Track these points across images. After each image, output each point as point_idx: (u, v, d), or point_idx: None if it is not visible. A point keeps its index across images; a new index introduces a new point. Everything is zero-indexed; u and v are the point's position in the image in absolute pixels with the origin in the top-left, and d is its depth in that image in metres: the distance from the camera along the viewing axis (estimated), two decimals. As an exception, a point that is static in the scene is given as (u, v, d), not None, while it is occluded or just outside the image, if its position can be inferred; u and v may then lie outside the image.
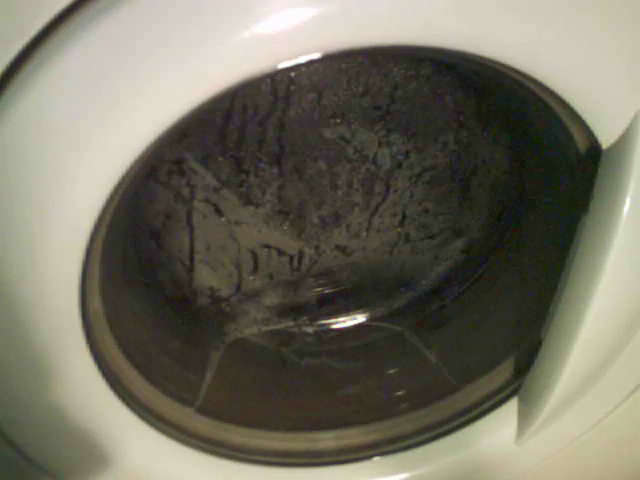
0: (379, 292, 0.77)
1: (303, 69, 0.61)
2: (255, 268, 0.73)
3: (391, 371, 0.69)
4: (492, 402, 0.58)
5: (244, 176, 0.66)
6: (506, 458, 0.58)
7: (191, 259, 0.70)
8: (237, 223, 0.69)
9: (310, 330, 0.75)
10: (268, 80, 0.61)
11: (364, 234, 0.73)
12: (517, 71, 0.39)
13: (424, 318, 0.75)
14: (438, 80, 0.64)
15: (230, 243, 0.70)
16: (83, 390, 0.46)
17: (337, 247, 0.73)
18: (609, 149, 0.43)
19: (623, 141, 0.42)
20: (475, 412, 0.58)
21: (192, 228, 0.68)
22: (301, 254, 0.73)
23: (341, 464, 0.58)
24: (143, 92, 0.35)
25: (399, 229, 0.73)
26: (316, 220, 0.71)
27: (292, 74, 0.61)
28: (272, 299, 0.75)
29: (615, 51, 0.39)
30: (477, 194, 0.72)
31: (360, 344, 0.74)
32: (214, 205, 0.67)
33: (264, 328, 0.74)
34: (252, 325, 0.74)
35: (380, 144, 0.67)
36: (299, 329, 0.75)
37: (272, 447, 0.58)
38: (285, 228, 0.71)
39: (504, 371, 0.58)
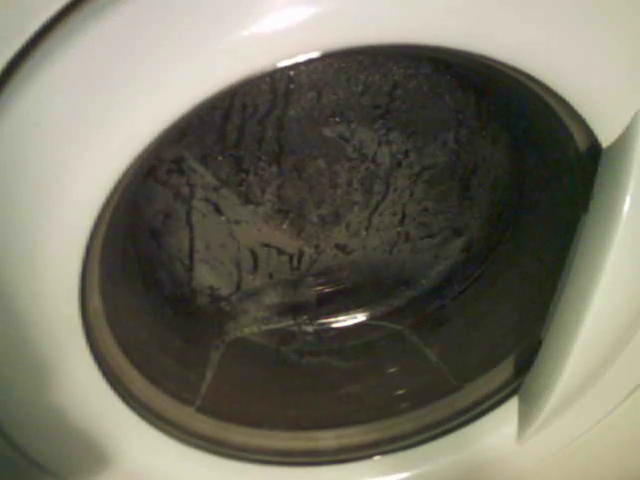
0: (379, 291, 0.77)
1: (302, 68, 0.61)
2: (255, 267, 0.73)
3: (391, 370, 0.69)
4: (492, 401, 0.58)
5: (244, 175, 0.66)
6: (506, 457, 0.58)
7: (191, 258, 0.70)
8: (237, 222, 0.69)
9: (310, 329, 0.75)
10: (267, 79, 0.61)
11: (364, 233, 0.73)
12: (517, 70, 0.39)
13: (424, 317, 0.75)
14: (438, 79, 0.64)
15: (230, 242, 0.70)
16: (83, 389, 0.46)
17: (337, 246, 0.73)
18: (609, 148, 0.43)
19: (623, 140, 0.42)
20: (475, 411, 0.58)
21: (192, 227, 0.68)
22: (301, 253, 0.73)
23: (341, 463, 0.58)
24: (142, 91, 0.35)
25: (399, 228, 0.73)
26: (316, 219, 0.71)
27: (291, 73, 0.61)
28: (272, 298, 0.75)
29: (615, 50, 0.39)
30: (477, 193, 0.72)
31: (360, 343, 0.74)
32: (214, 204, 0.67)
33: (264, 327, 0.74)
34: (252, 324, 0.74)
35: (380, 143, 0.67)
36: (299, 328, 0.75)
37: (272, 446, 0.58)
38: (285, 227, 0.71)
39: (504, 370, 0.58)
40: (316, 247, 0.73)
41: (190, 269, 0.70)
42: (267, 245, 0.71)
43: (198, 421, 0.56)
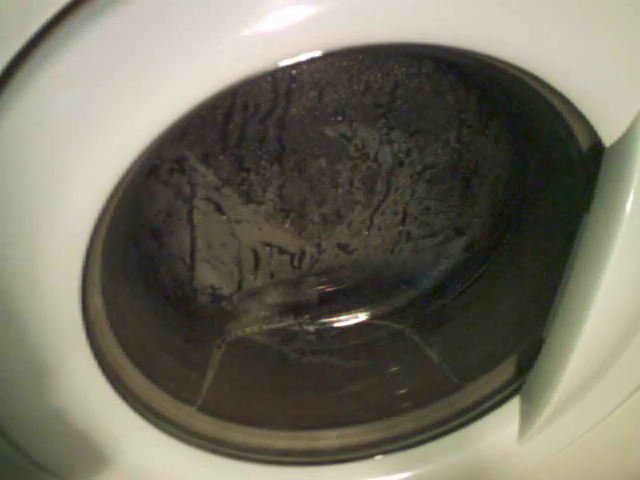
0: (380, 290, 0.76)
1: (304, 67, 0.61)
2: (256, 266, 0.73)
3: (392, 370, 0.69)
4: (494, 401, 0.58)
5: (245, 174, 0.66)
6: (508, 457, 0.57)
7: (192, 257, 0.70)
8: (238, 221, 0.69)
9: (311, 328, 0.75)
10: (269, 78, 0.61)
11: (365, 232, 0.73)
12: (519, 69, 0.39)
13: (425, 316, 0.74)
14: (439, 78, 0.64)
15: (231, 241, 0.70)
16: (84, 389, 0.46)
17: (338, 245, 0.73)
18: (612, 147, 0.43)
19: (626, 139, 0.42)
20: (477, 411, 0.58)
21: (193, 226, 0.68)
22: (302, 252, 0.73)
23: (342, 463, 0.58)
24: (143, 90, 0.35)
25: (400, 227, 0.73)
26: (317, 218, 0.71)
27: (293, 72, 0.61)
28: (273, 297, 0.75)
29: (618, 48, 0.39)
30: (478, 192, 0.72)
31: (361, 342, 0.74)
32: (215, 203, 0.67)
33: (265, 326, 0.74)
34: (253, 323, 0.74)
35: (381, 142, 0.67)
36: (300, 327, 0.75)
37: (273, 446, 0.58)
38: (286, 226, 0.71)
39: (506, 370, 0.58)
40: (318, 246, 0.73)
41: (191, 268, 0.70)
42: (268, 244, 0.71)
43: (199, 421, 0.56)
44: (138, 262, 0.66)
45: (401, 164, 0.69)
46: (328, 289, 0.76)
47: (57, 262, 0.40)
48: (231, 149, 0.64)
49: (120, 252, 0.58)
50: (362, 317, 0.77)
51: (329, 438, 0.60)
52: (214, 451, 0.55)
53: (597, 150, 0.44)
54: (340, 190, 0.69)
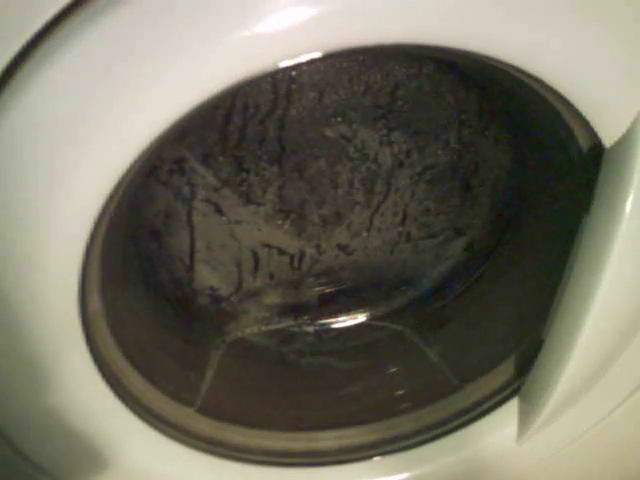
0: (380, 291, 0.76)
1: (304, 68, 0.61)
2: (256, 267, 0.72)
3: (392, 370, 0.68)
4: (493, 401, 0.58)
5: (245, 175, 0.66)
6: (507, 458, 0.57)
7: (191, 258, 0.70)
8: (237, 222, 0.69)
9: (311, 329, 0.75)
10: (269, 79, 0.61)
11: (365, 233, 0.73)
12: (519, 69, 0.39)
13: (425, 317, 0.74)
14: (439, 79, 0.64)
15: (231, 242, 0.70)
16: (82, 390, 0.46)
17: (338, 246, 0.73)
18: (612, 148, 0.43)
19: (626, 140, 0.42)
20: (476, 411, 0.58)
21: (192, 227, 0.68)
22: (302, 253, 0.73)
23: (341, 464, 0.57)
24: (143, 91, 0.35)
25: (400, 228, 0.73)
26: (317, 219, 0.71)
27: (293, 73, 0.61)
28: (273, 298, 0.74)
29: (618, 49, 0.39)
30: (478, 193, 0.72)
31: (361, 343, 0.74)
32: (214, 204, 0.67)
33: (265, 327, 0.74)
34: (252, 324, 0.74)
35: (381, 143, 0.67)
36: (300, 328, 0.75)
37: (272, 447, 0.58)
38: (286, 227, 0.71)
39: (505, 370, 0.58)
40: (317, 247, 0.73)
41: (191, 269, 0.70)
42: (268, 245, 0.71)
43: (198, 422, 0.56)
44: (137, 263, 0.66)
45: (401, 165, 0.69)
46: (328, 290, 0.76)
47: (56, 263, 0.39)
48: (231, 150, 0.64)
49: (119, 253, 0.58)
50: (361, 318, 0.77)
51: (328, 439, 0.60)
52: (213, 452, 0.55)
53: (597, 151, 0.44)
54: (340, 191, 0.69)
